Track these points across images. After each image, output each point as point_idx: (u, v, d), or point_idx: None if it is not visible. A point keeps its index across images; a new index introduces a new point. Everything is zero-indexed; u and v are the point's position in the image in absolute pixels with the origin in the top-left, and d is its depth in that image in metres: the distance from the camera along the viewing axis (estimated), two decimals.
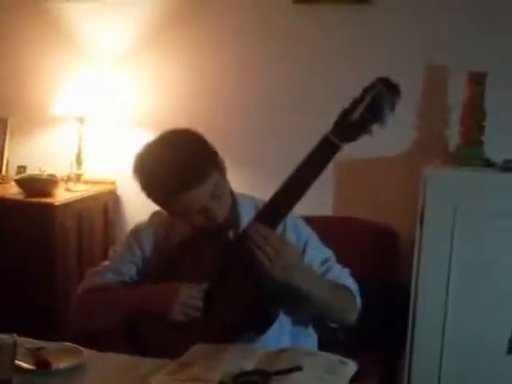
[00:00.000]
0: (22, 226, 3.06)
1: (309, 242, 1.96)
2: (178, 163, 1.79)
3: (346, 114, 1.69)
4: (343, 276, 1.96)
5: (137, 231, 2.03)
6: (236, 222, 1.91)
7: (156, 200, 1.88)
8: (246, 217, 1.88)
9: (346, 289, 1.94)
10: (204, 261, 1.84)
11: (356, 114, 1.67)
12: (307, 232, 2.00)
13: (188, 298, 1.77)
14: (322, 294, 1.81)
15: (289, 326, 1.94)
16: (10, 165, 3.48)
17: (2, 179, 3.42)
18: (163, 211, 1.95)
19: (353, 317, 1.94)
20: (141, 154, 1.87)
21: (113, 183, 3.43)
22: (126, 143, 3.29)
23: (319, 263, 1.94)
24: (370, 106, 1.67)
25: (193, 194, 1.78)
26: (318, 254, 1.96)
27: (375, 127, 1.68)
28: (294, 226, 1.96)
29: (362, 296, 1.97)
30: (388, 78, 1.69)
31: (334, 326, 1.94)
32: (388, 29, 3.03)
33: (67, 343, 1.80)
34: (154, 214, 2.03)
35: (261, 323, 1.81)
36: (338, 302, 1.88)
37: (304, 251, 1.93)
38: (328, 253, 2.00)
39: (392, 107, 1.67)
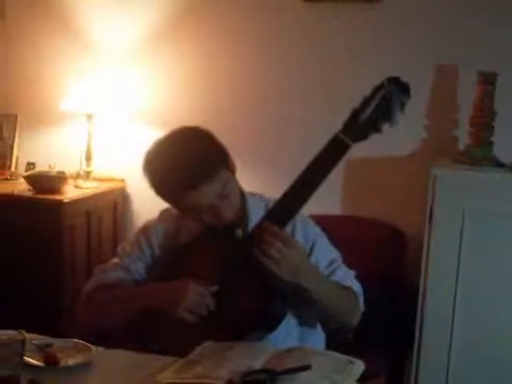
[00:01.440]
0: (31, 223, 3.06)
1: (316, 242, 1.96)
2: (187, 160, 1.79)
3: (356, 114, 1.69)
4: (348, 278, 1.96)
5: (146, 229, 2.03)
6: (245, 221, 1.91)
7: (165, 197, 1.88)
8: (255, 216, 1.88)
9: (351, 291, 1.94)
10: (212, 260, 1.84)
11: (366, 114, 1.68)
12: (315, 232, 2.00)
13: (196, 295, 1.77)
14: (326, 295, 1.81)
15: (296, 326, 1.94)
16: (19, 161, 3.49)
17: (11, 176, 3.42)
18: (172, 209, 1.95)
19: (355, 319, 1.94)
20: (150, 152, 1.87)
21: (122, 181, 3.43)
22: (136, 140, 3.29)
23: (326, 264, 1.94)
24: (380, 106, 1.67)
25: (201, 192, 1.79)
26: (325, 254, 1.95)
27: (385, 126, 1.68)
28: (303, 225, 1.96)
29: (365, 299, 1.97)
30: (398, 78, 1.69)
31: (334, 327, 1.94)
32: (398, 28, 3.03)
33: (76, 340, 1.80)
34: (164, 212, 2.03)
35: (270, 321, 1.81)
36: (341, 304, 1.88)
37: (311, 251, 1.92)
38: (335, 254, 1.99)
39: (402, 107, 1.67)
